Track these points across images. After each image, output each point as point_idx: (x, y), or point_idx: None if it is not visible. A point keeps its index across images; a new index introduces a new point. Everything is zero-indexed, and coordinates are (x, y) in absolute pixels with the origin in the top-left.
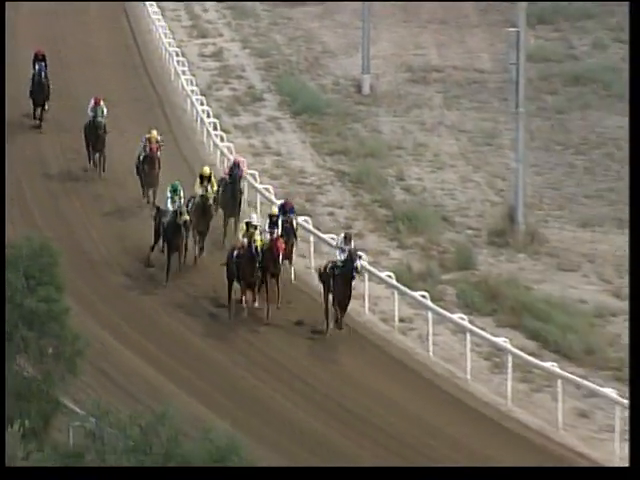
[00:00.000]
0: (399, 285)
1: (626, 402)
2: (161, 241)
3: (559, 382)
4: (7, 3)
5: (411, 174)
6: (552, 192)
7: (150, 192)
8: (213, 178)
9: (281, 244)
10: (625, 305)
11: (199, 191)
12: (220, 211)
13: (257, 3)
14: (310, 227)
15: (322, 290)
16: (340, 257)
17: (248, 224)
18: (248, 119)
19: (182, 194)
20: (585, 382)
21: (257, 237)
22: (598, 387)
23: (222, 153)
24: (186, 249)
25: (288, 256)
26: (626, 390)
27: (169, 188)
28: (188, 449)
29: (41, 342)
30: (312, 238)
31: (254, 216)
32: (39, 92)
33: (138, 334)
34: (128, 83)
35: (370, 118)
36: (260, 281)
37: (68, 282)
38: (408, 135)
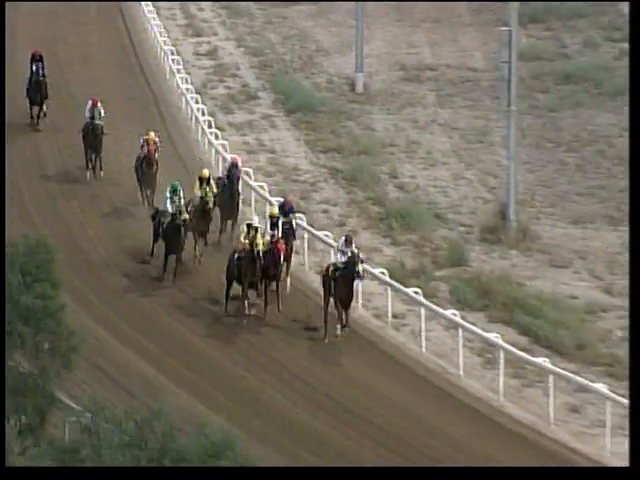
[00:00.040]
0: (392, 281)
1: (617, 397)
2: (160, 241)
3: (551, 377)
4: (7, 3)
5: (404, 171)
6: (544, 189)
7: (148, 193)
8: (212, 180)
9: (281, 246)
10: (616, 301)
11: (198, 193)
12: (217, 211)
13: (251, 2)
14: (304, 224)
15: (322, 294)
16: (341, 259)
17: (249, 226)
18: (242, 117)
19: (182, 194)
20: (576, 377)
21: (259, 240)
22: (589, 382)
23: (217, 151)
24: (182, 249)
25: (287, 258)
26: (617, 385)
27: (169, 188)
28: (183, 444)
29: (37, 338)
30: (306, 235)
31: (255, 218)
32: (36, 91)
33: (138, 334)
34: (124, 82)
35: (363, 116)
36: (260, 283)
37: (66, 282)
38: (401, 133)
